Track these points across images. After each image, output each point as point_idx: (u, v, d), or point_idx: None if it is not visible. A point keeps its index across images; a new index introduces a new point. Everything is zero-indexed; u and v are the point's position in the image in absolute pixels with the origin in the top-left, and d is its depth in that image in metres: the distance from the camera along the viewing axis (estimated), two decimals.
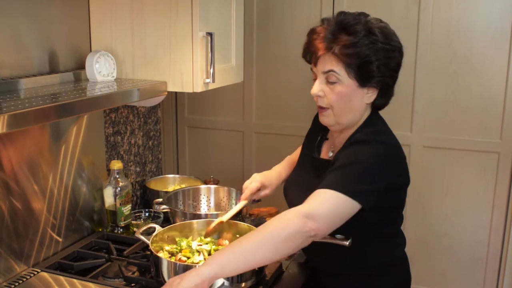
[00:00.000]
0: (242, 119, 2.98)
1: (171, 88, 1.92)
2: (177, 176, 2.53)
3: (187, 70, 1.88)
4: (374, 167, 1.44)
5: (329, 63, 1.46)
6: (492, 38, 2.48)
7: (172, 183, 2.48)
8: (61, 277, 1.66)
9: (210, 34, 1.87)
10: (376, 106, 1.56)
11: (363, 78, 1.47)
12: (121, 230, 2.01)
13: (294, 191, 1.67)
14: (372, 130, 1.54)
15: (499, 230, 2.59)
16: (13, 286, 1.60)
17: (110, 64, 1.89)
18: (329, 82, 1.48)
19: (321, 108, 1.54)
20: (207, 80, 1.91)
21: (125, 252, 1.77)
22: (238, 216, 1.93)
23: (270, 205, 2.22)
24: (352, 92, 1.48)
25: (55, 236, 1.83)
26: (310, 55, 1.52)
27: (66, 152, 1.86)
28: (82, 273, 1.69)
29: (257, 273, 1.55)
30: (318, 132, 1.72)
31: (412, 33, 2.57)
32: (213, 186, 2.21)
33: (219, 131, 3.06)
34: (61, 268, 1.74)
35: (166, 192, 2.23)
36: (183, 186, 2.40)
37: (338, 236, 1.51)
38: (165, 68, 1.91)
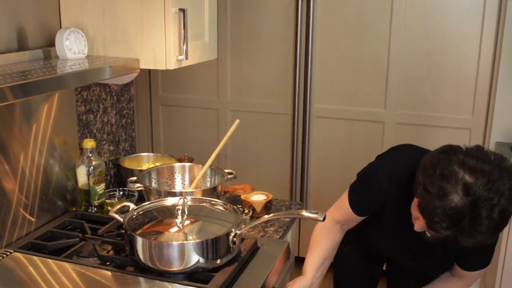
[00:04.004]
0: (216, 96, 2.97)
1: (144, 65, 1.89)
2: (151, 154, 2.51)
3: (160, 47, 1.85)
4: None
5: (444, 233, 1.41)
6: (465, 15, 2.50)
7: (146, 161, 2.46)
8: (35, 257, 1.65)
9: (182, 10, 1.84)
10: None
11: None
12: (95, 209, 2.00)
13: (403, 256, 1.82)
14: None
15: None
16: None
17: (81, 41, 1.85)
18: None
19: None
20: (180, 57, 1.89)
21: (99, 231, 1.76)
22: (213, 193, 1.93)
23: (245, 182, 2.22)
24: None
25: (27, 216, 1.81)
26: (430, 226, 1.42)
27: (37, 131, 1.83)
28: (56, 253, 1.67)
29: (232, 250, 1.56)
30: (396, 200, 1.67)
31: (386, 11, 2.58)
32: (187, 164, 2.20)
33: (193, 109, 3.04)
34: (35, 248, 1.72)
35: (140, 170, 2.22)
36: (157, 164, 2.39)
37: (313, 211, 1.53)
38: (137, 45, 1.88)
